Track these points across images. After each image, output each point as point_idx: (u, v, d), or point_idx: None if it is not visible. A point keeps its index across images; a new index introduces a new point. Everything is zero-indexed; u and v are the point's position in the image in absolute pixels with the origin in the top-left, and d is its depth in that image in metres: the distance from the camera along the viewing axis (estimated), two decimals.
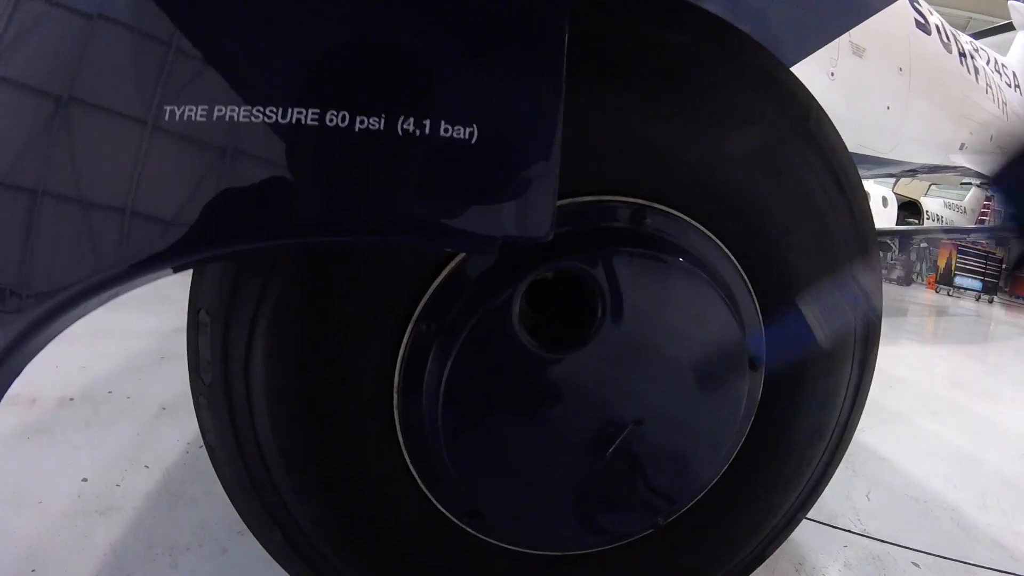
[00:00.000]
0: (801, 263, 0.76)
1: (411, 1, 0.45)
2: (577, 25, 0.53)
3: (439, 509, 0.70)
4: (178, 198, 0.46)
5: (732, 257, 0.72)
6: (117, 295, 0.51)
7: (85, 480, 1.40)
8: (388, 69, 0.44)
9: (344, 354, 0.62)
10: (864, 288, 0.81)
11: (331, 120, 0.43)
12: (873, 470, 2.03)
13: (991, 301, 12.65)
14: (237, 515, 0.71)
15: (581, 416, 0.67)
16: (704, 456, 0.78)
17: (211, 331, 0.62)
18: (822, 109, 0.74)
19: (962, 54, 5.77)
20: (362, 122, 0.43)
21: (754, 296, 0.74)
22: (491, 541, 0.73)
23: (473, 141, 0.44)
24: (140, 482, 1.41)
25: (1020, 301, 14.96)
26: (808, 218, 0.74)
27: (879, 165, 5.05)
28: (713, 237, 0.71)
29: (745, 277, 0.73)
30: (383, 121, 0.43)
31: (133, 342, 2.49)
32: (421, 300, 0.61)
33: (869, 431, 2.32)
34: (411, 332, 0.62)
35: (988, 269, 12.81)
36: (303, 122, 0.43)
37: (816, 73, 3.63)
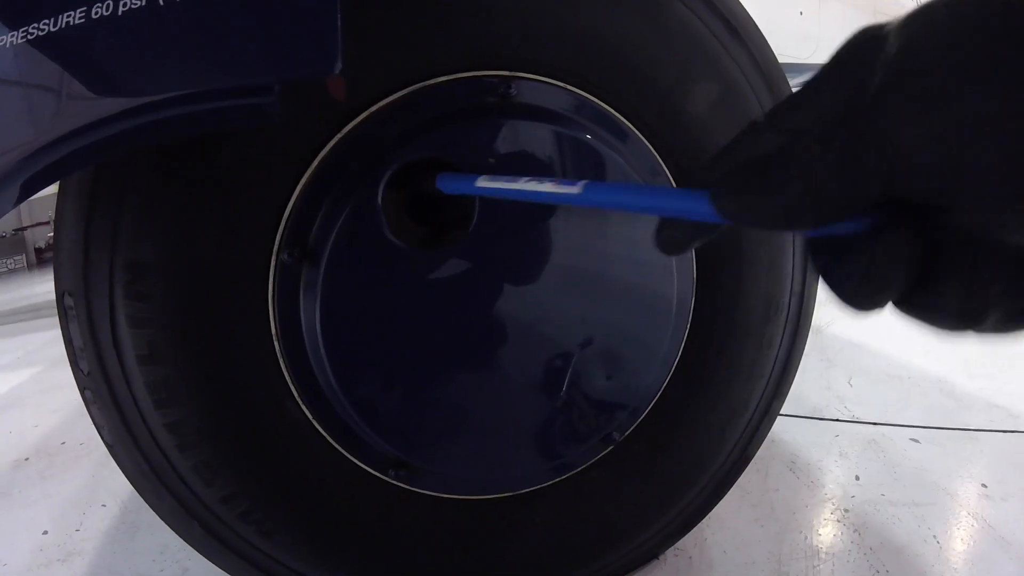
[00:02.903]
0: (703, 111, 0.69)
1: None
2: None
3: (358, 464, 0.63)
4: None
5: (619, 115, 0.65)
6: None
7: (45, 533, 1.35)
8: None
9: (210, 305, 0.55)
10: None
11: (96, 12, 0.39)
12: (849, 357, 2.00)
13: None
14: None
15: (486, 330, 0.61)
16: (644, 353, 0.71)
17: (77, 313, 0.56)
18: None
19: None
20: (124, 4, 0.38)
21: (660, 159, 0.67)
22: (427, 492, 0.67)
23: None
24: (98, 521, 1.37)
25: None
26: (701, 64, 0.68)
27: (802, 71, 5.08)
28: (595, 99, 0.64)
29: (639, 132, 0.66)
30: None
31: None
32: (279, 228, 0.55)
33: (837, 323, 2.30)
34: (275, 266, 0.56)
35: None
36: (72, 22, 0.39)
37: None
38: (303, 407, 0.60)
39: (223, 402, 0.57)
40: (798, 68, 5.17)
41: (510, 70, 0.60)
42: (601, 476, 0.76)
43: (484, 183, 0.48)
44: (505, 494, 0.71)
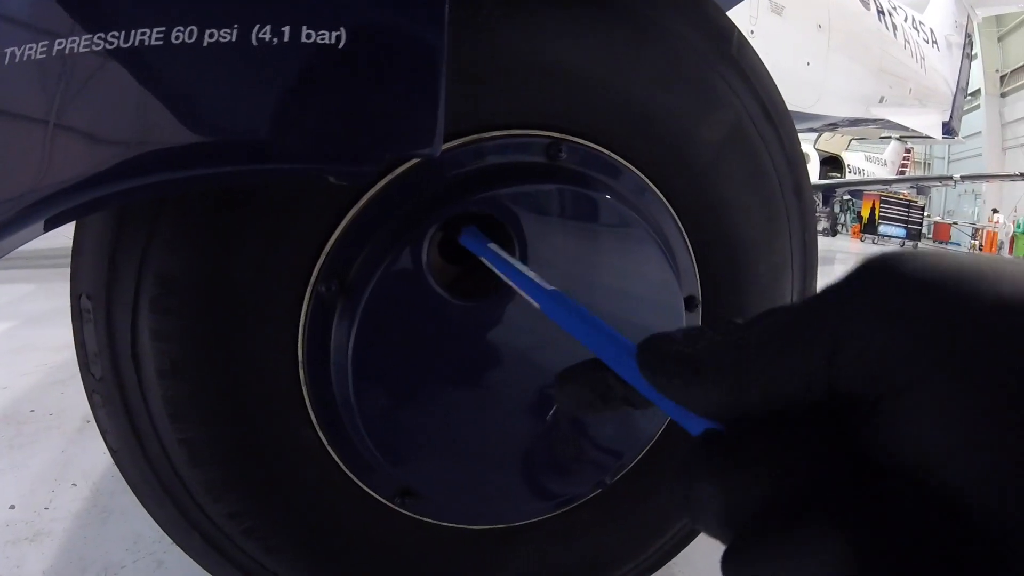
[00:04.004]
0: (733, 194, 0.73)
1: None
2: None
3: (365, 490, 0.64)
4: (25, 149, 0.41)
5: (658, 191, 0.68)
6: None
7: (12, 507, 1.32)
8: None
9: (238, 327, 0.56)
10: (797, 215, 0.80)
11: (177, 37, 0.37)
12: None
13: (915, 247, 13.27)
14: None
15: (507, 374, 0.63)
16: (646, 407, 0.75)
17: (95, 318, 0.55)
18: (743, 34, 0.71)
19: (880, 11, 6.00)
20: (211, 36, 0.37)
21: (684, 231, 0.71)
22: (428, 520, 0.68)
23: (340, 46, 0.38)
24: (69, 501, 1.34)
25: (942, 246, 15.83)
26: (737, 147, 0.71)
27: (802, 120, 5.21)
28: (636, 171, 0.67)
29: (672, 210, 0.69)
30: (235, 32, 0.37)
31: (55, 355, 2.35)
32: (319, 259, 0.55)
33: None
34: (310, 296, 0.56)
35: (911, 217, 13.49)
36: (147, 43, 0.37)
37: None
38: (319, 432, 0.60)
39: (241, 422, 0.58)
40: (802, 117, 5.28)
41: (562, 132, 0.62)
42: (588, 515, 0.78)
43: (490, 251, 0.50)
44: (500, 526, 0.73)
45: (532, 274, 0.43)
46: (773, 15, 4.48)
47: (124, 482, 1.33)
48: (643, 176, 0.67)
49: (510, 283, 0.45)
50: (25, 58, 0.41)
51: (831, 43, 5.06)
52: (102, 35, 0.38)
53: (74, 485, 1.41)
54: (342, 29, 0.38)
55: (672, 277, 0.67)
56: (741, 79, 0.70)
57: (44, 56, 0.41)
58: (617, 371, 0.29)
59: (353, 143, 0.40)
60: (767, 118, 0.73)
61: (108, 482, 1.41)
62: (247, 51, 0.37)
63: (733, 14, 0.78)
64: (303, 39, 0.38)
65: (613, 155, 0.65)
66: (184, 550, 0.66)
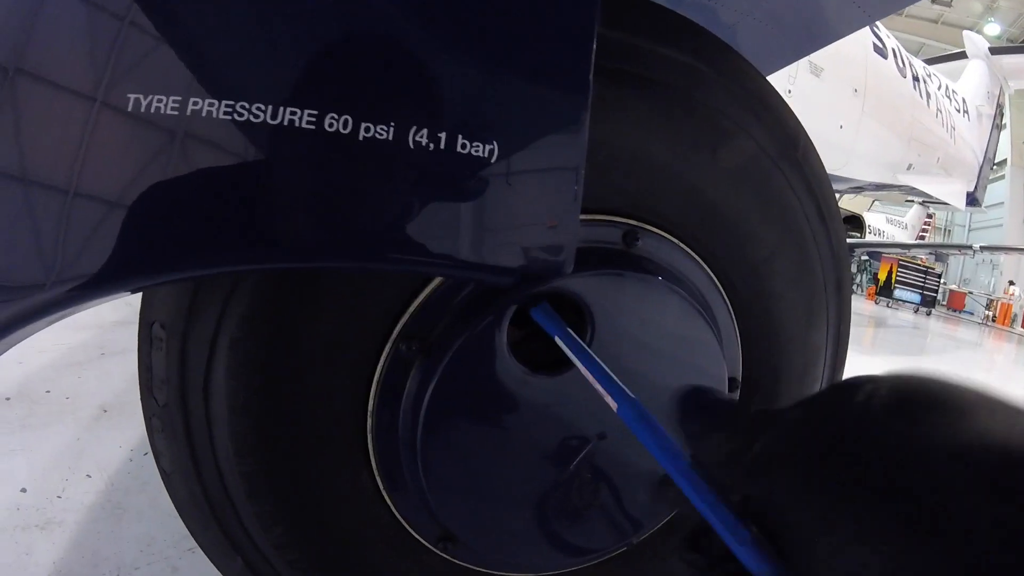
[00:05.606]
0: (782, 288, 0.76)
1: (432, 5, 0.40)
2: None
3: (411, 534, 0.67)
4: (143, 208, 0.39)
5: (716, 281, 0.72)
6: (58, 319, 0.44)
7: (24, 491, 1.32)
8: (402, 74, 0.38)
9: (315, 375, 0.58)
10: (835, 309, 0.83)
11: (331, 124, 0.37)
12: None
13: (928, 314, 13.26)
14: (185, 531, 0.67)
15: (563, 438, 0.65)
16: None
17: (167, 348, 0.57)
18: (808, 137, 0.74)
19: (915, 78, 6.05)
20: (367, 129, 0.37)
21: (735, 320, 0.74)
22: (466, 565, 0.70)
23: (493, 160, 0.40)
24: (82, 493, 1.34)
25: (956, 315, 15.74)
26: (791, 245, 0.75)
27: (833, 182, 5.23)
28: (700, 260, 0.70)
29: (727, 301, 0.73)
30: (391, 130, 0.38)
31: (72, 336, 2.37)
32: (401, 319, 0.58)
33: None
34: (389, 352, 0.58)
35: (927, 283, 13.41)
36: (297, 124, 0.37)
37: None
38: (377, 477, 0.63)
39: (305, 461, 0.60)
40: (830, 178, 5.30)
41: (639, 221, 0.64)
42: (610, 569, 0.80)
43: (567, 335, 0.51)
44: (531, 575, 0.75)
45: (611, 374, 0.44)
46: (812, 76, 4.54)
47: (140, 481, 1.34)
48: (706, 267, 0.70)
49: (585, 373, 0.46)
50: (152, 109, 0.40)
51: (865, 108, 5.10)
52: (246, 104, 0.38)
53: (88, 476, 1.41)
54: (495, 143, 0.40)
55: (722, 361, 0.70)
56: (802, 181, 0.73)
57: (176, 112, 0.40)
58: (684, 490, 0.35)
59: (488, 254, 0.42)
60: (821, 219, 0.76)
61: (123, 479, 1.41)
62: (401, 151, 0.38)
63: (773, 75, 0.82)
64: (458, 148, 0.39)
65: (682, 245, 0.68)
66: (221, 570, 0.67)
